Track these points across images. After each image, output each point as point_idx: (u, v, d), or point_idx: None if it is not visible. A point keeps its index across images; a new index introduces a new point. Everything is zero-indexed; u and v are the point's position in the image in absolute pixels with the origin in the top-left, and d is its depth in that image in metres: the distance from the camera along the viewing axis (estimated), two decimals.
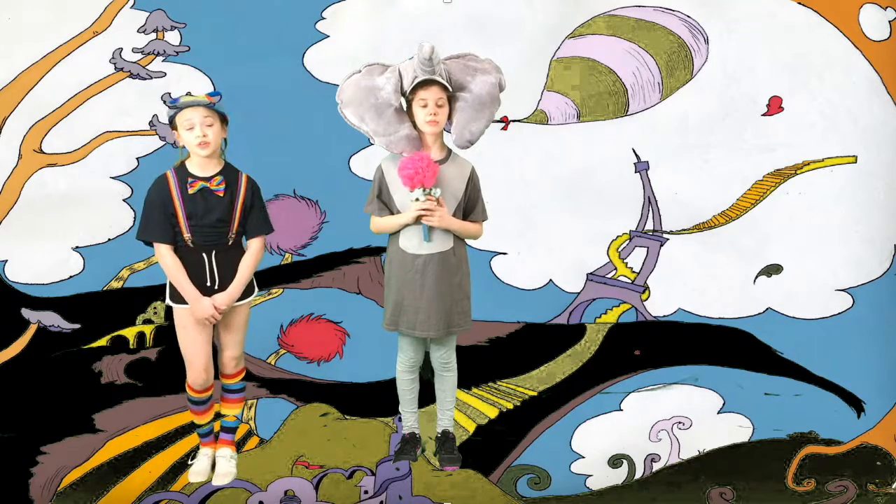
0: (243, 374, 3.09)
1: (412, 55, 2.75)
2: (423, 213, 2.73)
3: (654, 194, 3.66)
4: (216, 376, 3.04)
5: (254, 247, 2.93)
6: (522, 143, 3.62)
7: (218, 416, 3.15)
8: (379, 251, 3.58)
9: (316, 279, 3.63)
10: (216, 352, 3.04)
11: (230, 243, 2.87)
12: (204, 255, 2.84)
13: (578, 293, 3.68)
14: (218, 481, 3.17)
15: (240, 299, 2.91)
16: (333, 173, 3.54)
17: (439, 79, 2.72)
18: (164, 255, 2.85)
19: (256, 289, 3.01)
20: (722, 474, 3.72)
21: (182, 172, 2.86)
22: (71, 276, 3.54)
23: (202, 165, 2.86)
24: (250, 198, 2.89)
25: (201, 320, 2.87)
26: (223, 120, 2.89)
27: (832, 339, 3.68)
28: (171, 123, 2.85)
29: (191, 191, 2.82)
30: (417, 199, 2.71)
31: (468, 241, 2.95)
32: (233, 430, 3.18)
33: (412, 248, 2.82)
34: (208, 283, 2.86)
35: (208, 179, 2.84)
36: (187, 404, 3.07)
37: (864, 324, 3.69)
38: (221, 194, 2.84)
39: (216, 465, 3.18)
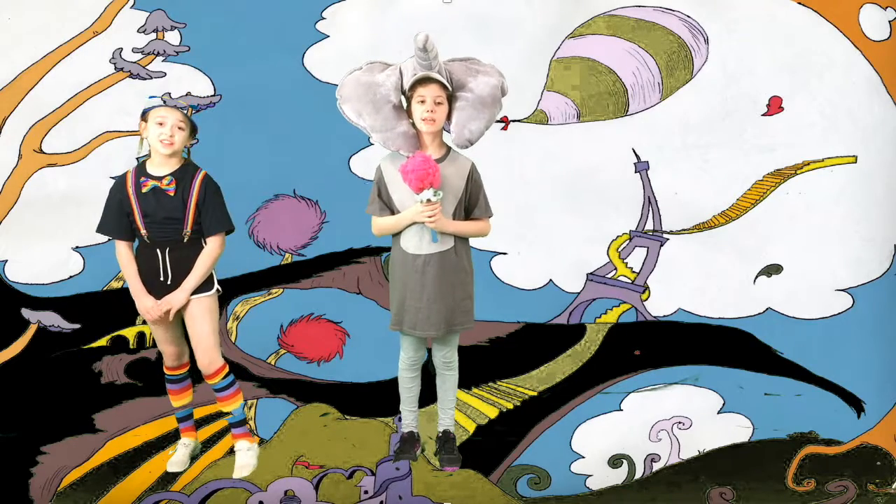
0: (225, 371, 3.14)
1: (413, 54, 2.76)
2: (429, 218, 2.73)
3: (654, 194, 3.66)
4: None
5: (210, 244, 3.01)
6: (522, 143, 3.62)
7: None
8: (379, 251, 3.58)
9: (316, 279, 3.63)
10: None
11: (185, 241, 2.96)
12: (158, 251, 2.95)
13: (578, 293, 3.68)
14: (237, 474, 3.28)
15: (196, 294, 2.98)
16: (333, 173, 3.54)
17: (438, 76, 2.72)
18: (118, 249, 3.02)
19: (217, 286, 3.07)
20: (722, 474, 3.72)
21: (140, 171, 2.96)
22: (71, 276, 3.54)
23: (159, 164, 2.97)
24: (203, 196, 2.96)
25: (143, 316, 2.96)
26: (193, 131, 2.97)
27: (832, 339, 3.68)
28: (143, 115, 2.94)
29: (144, 189, 2.92)
30: (429, 200, 2.71)
31: (473, 240, 2.96)
32: (241, 423, 3.25)
33: (412, 249, 2.82)
34: (161, 278, 2.96)
35: (159, 179, 2.93)
36: (166, 385, 3.24)
37: (864, 324, 3.68)
38: (172, 193, 2.93)
39: (235, 458, 3.26)
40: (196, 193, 2.96)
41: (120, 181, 2.99)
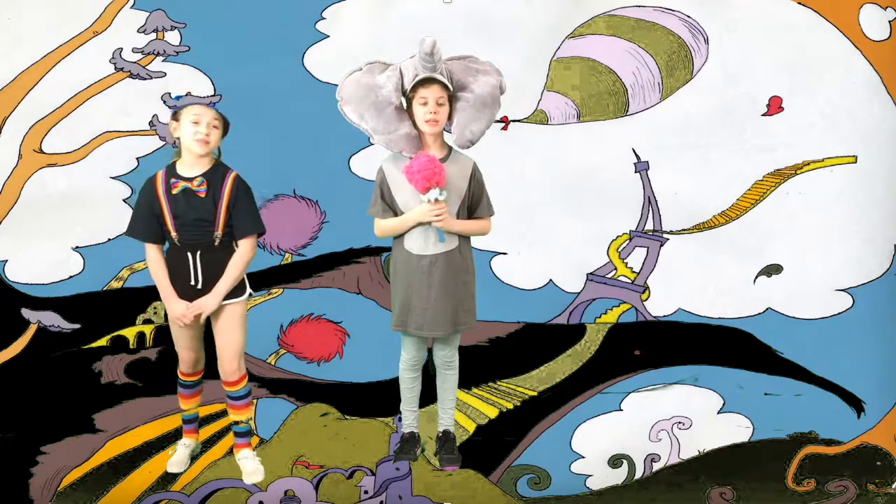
0: (245, 381, 3.11)
1: (413, 54, 2.76)
2: (437, 218, 2.73)
3: (654, 194, 3.66)
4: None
5: (241, 247, 2.94)
6: (522, 143, 3.62)
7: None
8: (379, 251, 3.58)
9: (316, 279, 3.63)
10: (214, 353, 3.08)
11: (216, 244, 2.88)
12: (189, 254, 2.87)
13: (578, 293, 3.68)
14: (250, 479, 3.26)
15: (228, 299, 2.93)
16: (333, 173, 3.54)
17: (440, 77, 2.72)
18: (148, 252, 2.92)
19: (248, 290, 3.02)
20: (722, 474, 3.72)
21: (170, 172, 2.89)
22: (71, 276, 3.54)
23: (190, 165, 2.89)
24: (234, 197, 2.89)
25: (174, 321, 2.91)
26: (226, 129, 2.93)
27: (832, 339, 3.68)
28: (175, 114, 2.88)
29: (174, 191, 2.85)
30: (436, 200, 2.71)
31: (473, 239, 2.96)
32: (246, 434, 3.23)
33: (417, 249, 2.82)
34: (192, 282, 2.89)
35: (190, 180, 2.87)
36: (177, 388, 3.18)
37: (864, 324, 3.68)
38: (203, 195, 2.86)
39: (242, 467, 3.24)
40: (227, 195, 2.88)
41: (150, 183, 2.90)
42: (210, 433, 3.54)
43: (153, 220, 2.87)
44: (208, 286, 2.89)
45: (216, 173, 2.89)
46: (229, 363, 3.02)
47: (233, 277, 2.90)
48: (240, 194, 2.90)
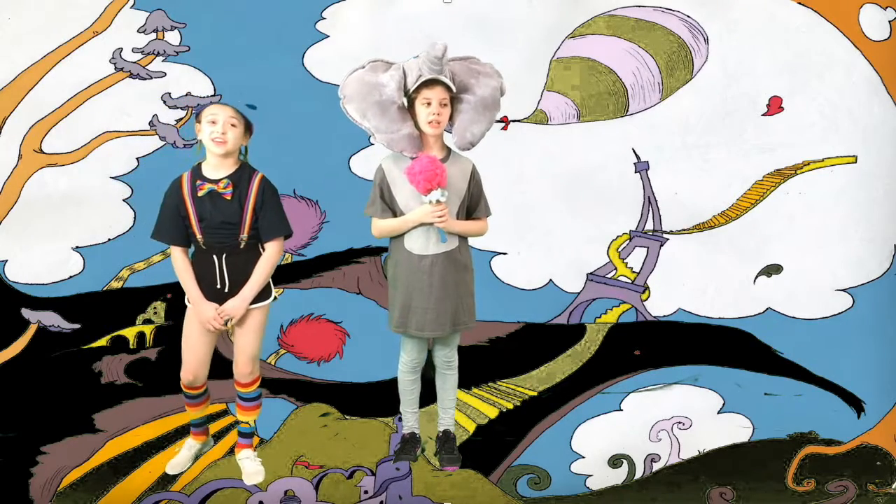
0: (258, 383, 3.11)
1: (416, 54, 2.76)
2: (438, 219, 2.73)
3: (654, 194, 3.66)
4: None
5: (268, 250, 2.91)
6: (522, 143, 3.62)
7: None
8: (379, 251, 3.58)
9: (316, 279, 3.63)
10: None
11: (242, 246, 2.86)
12: (215, 256, 2.85)
13: (578, 293, 3.68)
14: (251, 480, 3.26)
15: (254, 302, 2.91)
16: (333, 173, 3.54)
17: (444, 79, 2.72)
18: (174, 255, 2.89)
19: (274, 293, 3.00)
20: (722, 474, 3.72)
21: (195, 174, 2.87)
22: (71, 276, 3.54)
23: (215, 166, 2.87)
24: (261, 199, 2.87)
25: (203, 325, 2.88)
26: (248, 128, 2.91)
27: (832, 339, 3.68)
28: (197, 116, 2.88)
29: (199, 193, 2.83)
30: (438, 201, 2.71)
31: (472, 239, 2.96)
32: (249, 436, 3.23)
33: (418, 249, 2.82)
34: (218, 286, 2.86)
35: (216, 182, 2.84)
36: (183, 396, 3.16)
37: (864, 324, 3.69)
38: (229, 197, 2.84)
39: (243, 467, 3.23)
40: (254, 197, 2.85)
41: (175, 185, 2.87)
42: (210, 433, 3.54)
43: (179, 222, 2.84)
44: (234, 289, 2.87)
45: (242, 175, 2.87)
46: (245, 365, 3.00)
47: (259, 281, 2.89)
48: (266, 196, 2.88)
